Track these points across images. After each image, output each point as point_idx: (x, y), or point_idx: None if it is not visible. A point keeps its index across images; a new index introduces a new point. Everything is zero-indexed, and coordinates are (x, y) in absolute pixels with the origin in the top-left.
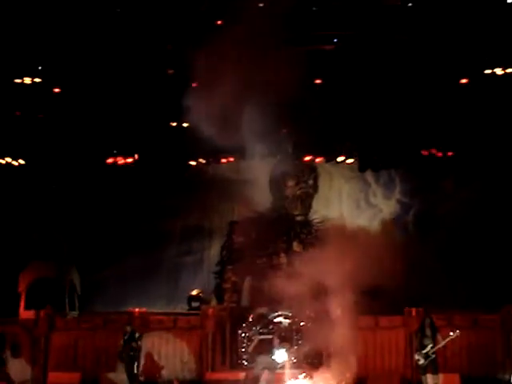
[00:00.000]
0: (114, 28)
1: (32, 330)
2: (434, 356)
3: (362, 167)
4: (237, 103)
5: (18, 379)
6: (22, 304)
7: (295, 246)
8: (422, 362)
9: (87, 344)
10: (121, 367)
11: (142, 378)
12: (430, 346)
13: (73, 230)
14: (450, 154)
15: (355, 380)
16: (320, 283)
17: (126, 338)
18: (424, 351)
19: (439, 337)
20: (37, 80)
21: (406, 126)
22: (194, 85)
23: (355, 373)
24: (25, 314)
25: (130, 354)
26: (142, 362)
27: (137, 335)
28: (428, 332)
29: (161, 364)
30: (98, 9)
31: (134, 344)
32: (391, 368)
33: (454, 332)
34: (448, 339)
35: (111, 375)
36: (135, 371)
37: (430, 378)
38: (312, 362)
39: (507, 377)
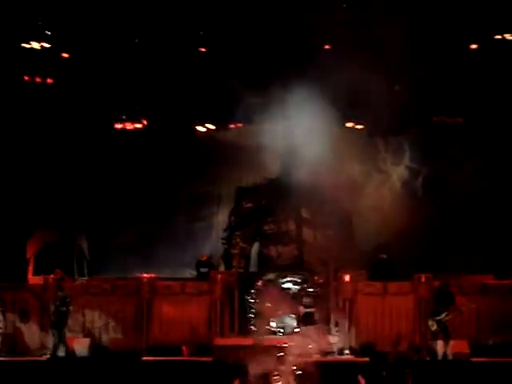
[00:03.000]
0: None
1: (41, 295)
2: (447, 323)
3: (371, 133)
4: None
5: (28, 344)
6: (31, 269)
7: (303, 212)
8: (435, 327)
9: (95, 309)
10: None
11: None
12: (445, 313)
13: (82, 196)
14: (459, 120)
15: (362, 345)
16: (328, 249)
17: (57, 303)
18: (438, 318)
19: (453, 303)
20: (45, 45)
21: (416, 92)
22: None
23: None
24: (33, 279)
25: (58, 319)
26: (152, 327)
27: (67, 300)
28: (443, 299)
29: (169, 330)
30: None
31: (62, 308)
32: (400, 333)
33: (467, 299)
34: (462, 306)
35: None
36: (63, 336)
37: (440, 344)
38: (320, 327)
39: None
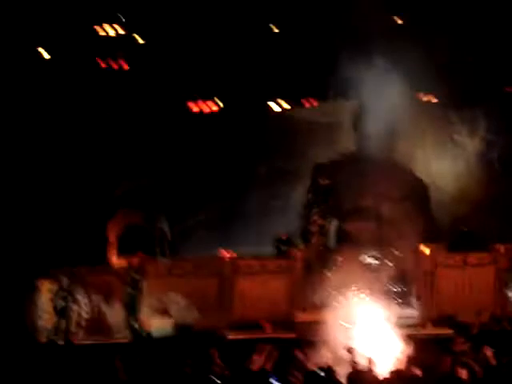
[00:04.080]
0: None
1: (125, 278)
2: None
3: (445, 105)
4: None
5: (112, 327)
6: (114, 252)
7: (381, 186)
8: None
9: (178, 290)
10: None
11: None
12: None
13: (160, 178)
14: None
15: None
16: (407, 222)
17: (129, 286)
18: None
19: None
20: (120, 31)
21: (488, 63)
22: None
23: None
24: (117, 261)
25: (130, 302)
26: (234, 305)
27: (139, 283)
28: None
29: (251, 308)
30: None
31: (134, 291)
32: (480, 305)
33: None
34: None
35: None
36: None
37: None
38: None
39: None
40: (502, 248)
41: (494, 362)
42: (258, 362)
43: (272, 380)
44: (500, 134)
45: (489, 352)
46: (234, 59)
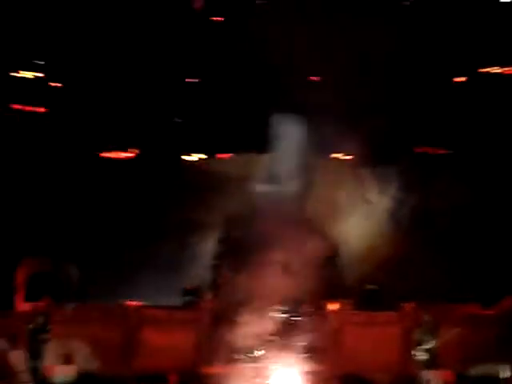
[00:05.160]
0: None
1: (29, 323)
2: (433, 352)
3: (358, 163)
4: None
5: (16, 370)
6: (20, 297)
7: (291, 241)
8: (421, 357)
9: (82, 337)
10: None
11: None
12: (431, 341)
13: (69, 224)
14: (444, 151)
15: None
16: (316, 280)
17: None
18: (424, 347)
19: (439, 333)
20: (38, 74)
21: (402, 124)
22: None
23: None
24: (23, 306)
25: (36, 346)
26: (139, 355)
27: (46, 327)
28: (428, 328)
29: (156, 358)
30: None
31: (42, 336)
32: (386, 364)
33: (453, 329)
34: (448, 336)
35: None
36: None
37: (428, 373)
38: (306, 356)
39: (503, 373)
40: (408, 307)
41: None
42: None
43: None
44: (410, 193)
45: None
46: (150, 109)
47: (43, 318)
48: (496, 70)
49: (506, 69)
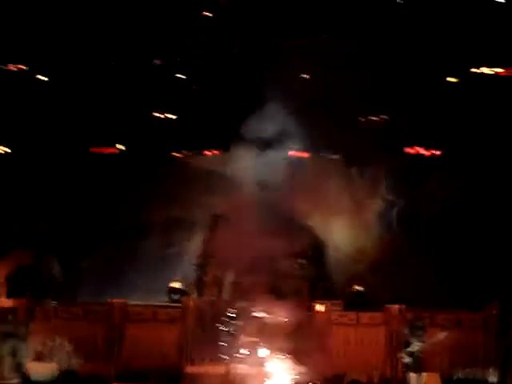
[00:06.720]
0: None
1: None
2: (419, 355)
3: (347, 163)
4: None
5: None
6: (2, 292)
7: (278, 241)
8: (407, 360)
9: (65, 334)
10: None
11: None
12: (417, 344)
13: (54, 219)
14: (435, 152)
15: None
16: (303, 279)
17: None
18: (410, 349)
19: (426, 336)
20: (22, 67)
21: (391, 124)
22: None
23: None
24: (5, 302)
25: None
26: (122, 353)
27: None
28: (414, 331)
29: (140, 356)
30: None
31: (16, 332)
32: (371, 365)
33: (440, 332)
34: (434, 339)
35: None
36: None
37: (414, 376)
38: (291, 356)
39: (489, 377)
40: (394, 309)
41: None
42: None
43: None
44: (400, 195)
45: None
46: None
47: (25, 315)
48: (488, 70)
49: (497, 70)
